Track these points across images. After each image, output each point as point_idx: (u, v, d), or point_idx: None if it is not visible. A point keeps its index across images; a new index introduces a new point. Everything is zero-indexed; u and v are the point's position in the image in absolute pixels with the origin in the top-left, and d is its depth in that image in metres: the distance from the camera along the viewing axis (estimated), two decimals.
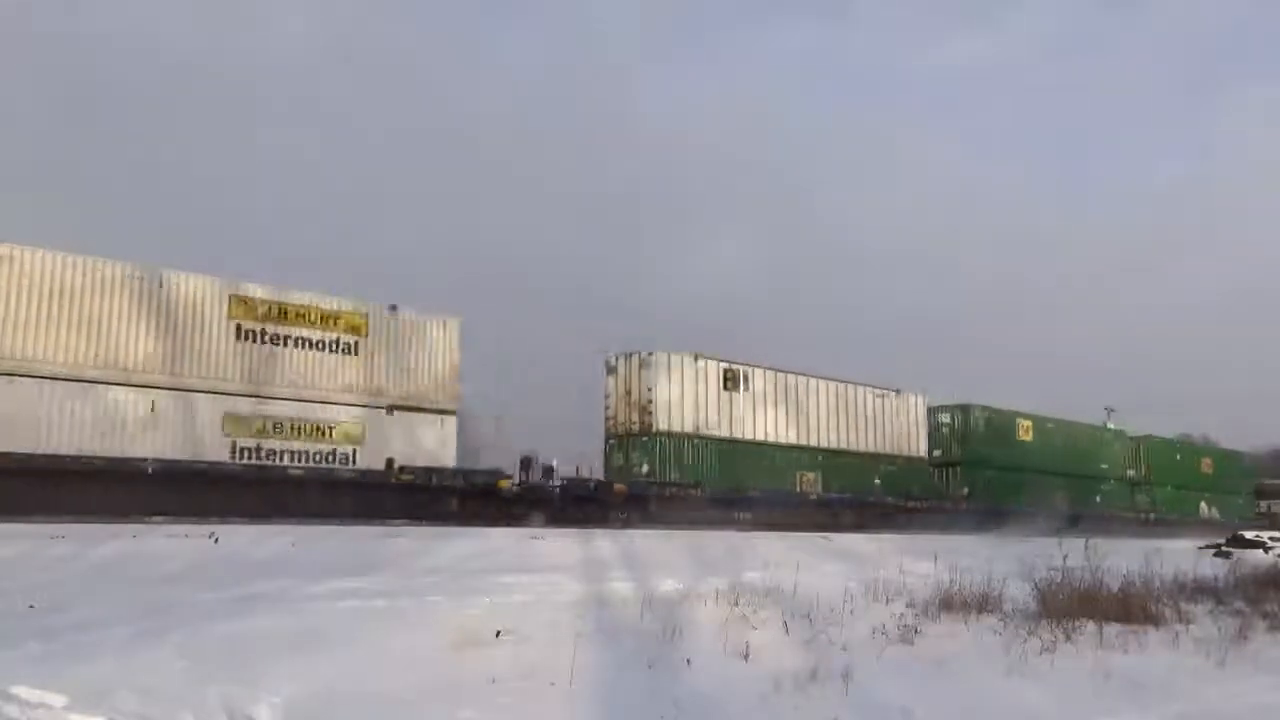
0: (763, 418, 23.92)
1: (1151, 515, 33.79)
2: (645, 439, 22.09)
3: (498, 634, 7.92)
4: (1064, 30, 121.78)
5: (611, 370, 23.05)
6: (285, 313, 18.28)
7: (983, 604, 9.96)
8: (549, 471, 20.77)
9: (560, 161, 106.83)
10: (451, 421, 20.04)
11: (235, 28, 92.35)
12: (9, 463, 14.39)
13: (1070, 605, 9.60)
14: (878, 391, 26.74)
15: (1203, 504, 38.19)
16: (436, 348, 20.13)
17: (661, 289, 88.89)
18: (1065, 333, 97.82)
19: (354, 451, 18.59)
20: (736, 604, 9.38)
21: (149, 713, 5.72)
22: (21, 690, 5.76)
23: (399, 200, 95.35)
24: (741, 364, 23.69)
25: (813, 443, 24.98)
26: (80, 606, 7.92)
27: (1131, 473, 34.88)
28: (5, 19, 70.85)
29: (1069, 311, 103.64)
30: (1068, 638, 8.81)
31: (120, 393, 16.38)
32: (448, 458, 19.69)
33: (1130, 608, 9.83)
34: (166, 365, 16.87)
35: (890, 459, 26.75)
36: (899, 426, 27.13)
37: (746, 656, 7.78)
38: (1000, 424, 30.21)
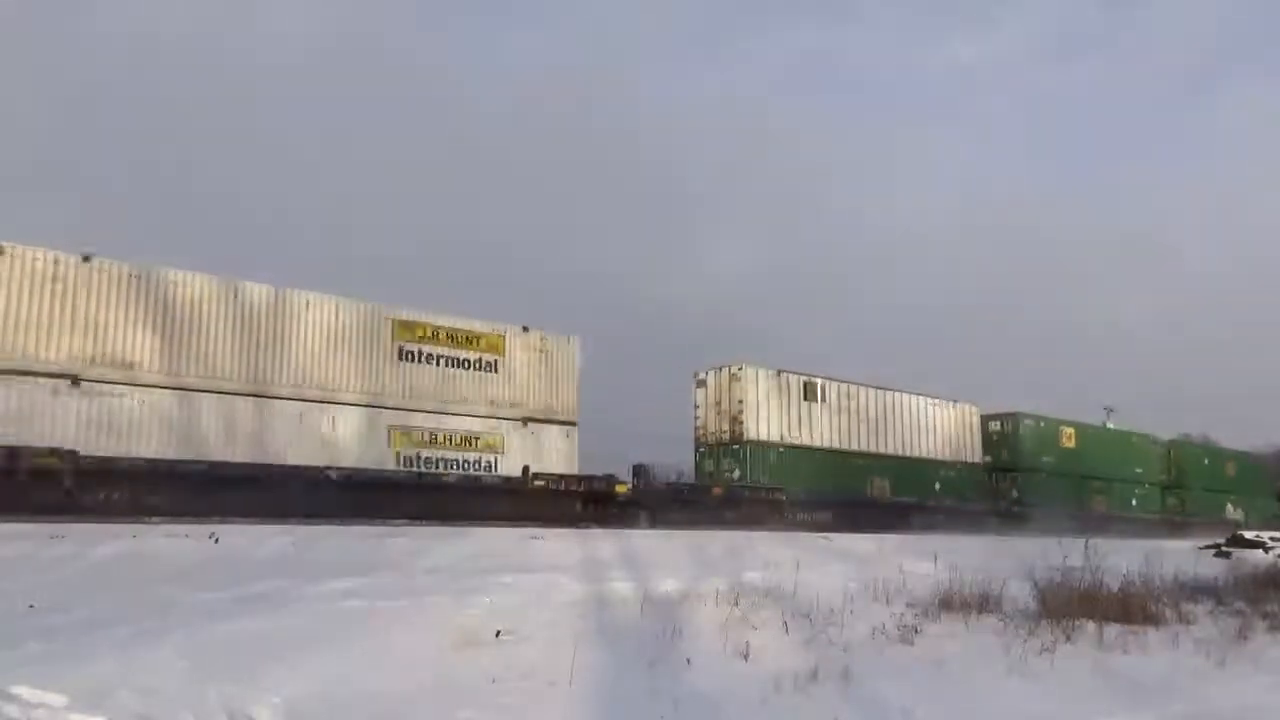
0: (838, 427, 25.94)
1: (1182, 517, 35.43)
2: (736, 447, 24.08)
3: (498, 634, 7.93)
4: (1064, 30, 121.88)
5: (701, 384, 25.16)
6: (437, 335, 20.31)
7: (983, 604, 9.96)
8: (647, 474, 23.03)
9: (560, 161, 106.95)
10: (575, 432, 21.99)
11: (236, 27, 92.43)
12: (253, 471, 16.45)
13: (1070, 605, 9.60)
14: (936, 401, 28.68)
15: (1229, 506, 39.49)
16: (561, 364, 22.05)
17: (661, 289, 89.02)
18: (1065, 332, 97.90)
19: (495, 460, 20.54)
20: (737, 604, 9.37)
21: (149, 713, 5.72)
22: (21, 690, 5.77)
23: (399, 200, 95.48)
24: (819, 377, 25.85)
25: (882, 449, 26.85)
26: (80, 606, 7.93)
27: (1163, 476, 36.66)
28: (5, 19, 70.91)
29: (1069, 311, 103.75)
30: (1068, 638, 8.82)
31: (327, 410, 18.58)
32: (572, 465, 21.58)
33: (1130, 608, 9.84)
34: (348, 383, 18.86)
35: (950, 465, 28.63)
36: (956, 434, 29.14)
37: (746, 656, 7.79)
38: (1046, 431, 32.22)
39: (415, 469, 19.14)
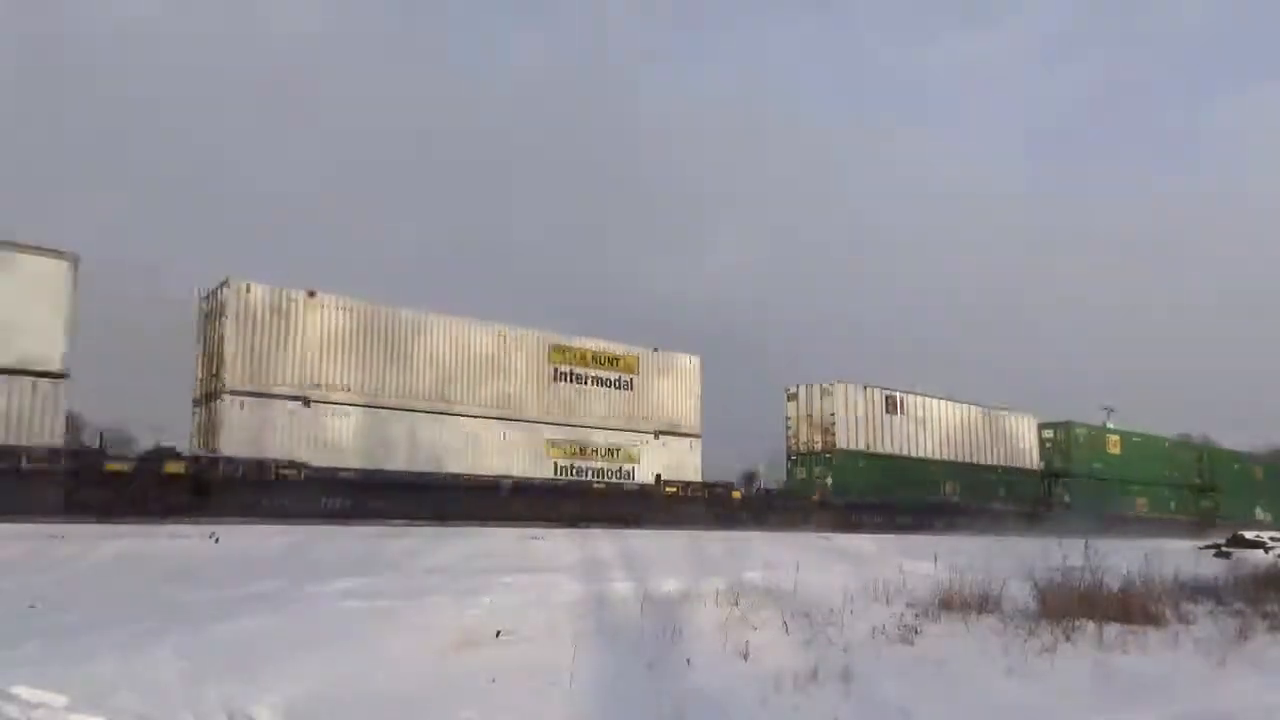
0: (916, 436, 28.15)
1: (1216, 518, 36.77)
2: (828, 455, 26.41)
3: (498, 634, 7.93)
4: (1064, 30, 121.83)
5: (792, 397, 27.56)
6: (584, 357, 22.77)
7: (983, 604, 9.95)
8: (754, 482, 26.61)
9: (560, 160, 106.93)
10: (698, 443, 24.36)
11: (237, 27, 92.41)
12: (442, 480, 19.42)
13: (1070, 605, 9.59)
14: (1000, 412, 31.15)
15: (1258, 508, 40.94)
16: (686, 381, 24.52)
17: (661, 289, 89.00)
18: (1065, 332, 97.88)
19: (634, 469, 23.07)
20: (736, 604, 9.36)
21: (149, 713, 5.72)
22: (22, 690, 5.77)
23: (398, 199, 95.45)
24: (899, 391, 28.09)
25: (953, 457, 29.11)
26: (81, 607, 7.93)
27: (1197, 480, 38.47)
28: (4, 18, 70.93)
29: (1069, 311, 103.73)
30: (1067, 638, 8.80)
31: (506, 427, 21.18)
32: (696, 473, 24.11)
33: (1130, 608, 9.82)
34: (518, 403, 21.44)
35: (1011, 471, 30.88)
36: (1017, 442, 31.59)
37: (746, 656, 7.78)
38: (1094, 439, 34.38)
39: (570, 477, 21.86)
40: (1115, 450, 34.70)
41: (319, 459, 17.92)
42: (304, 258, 66.42)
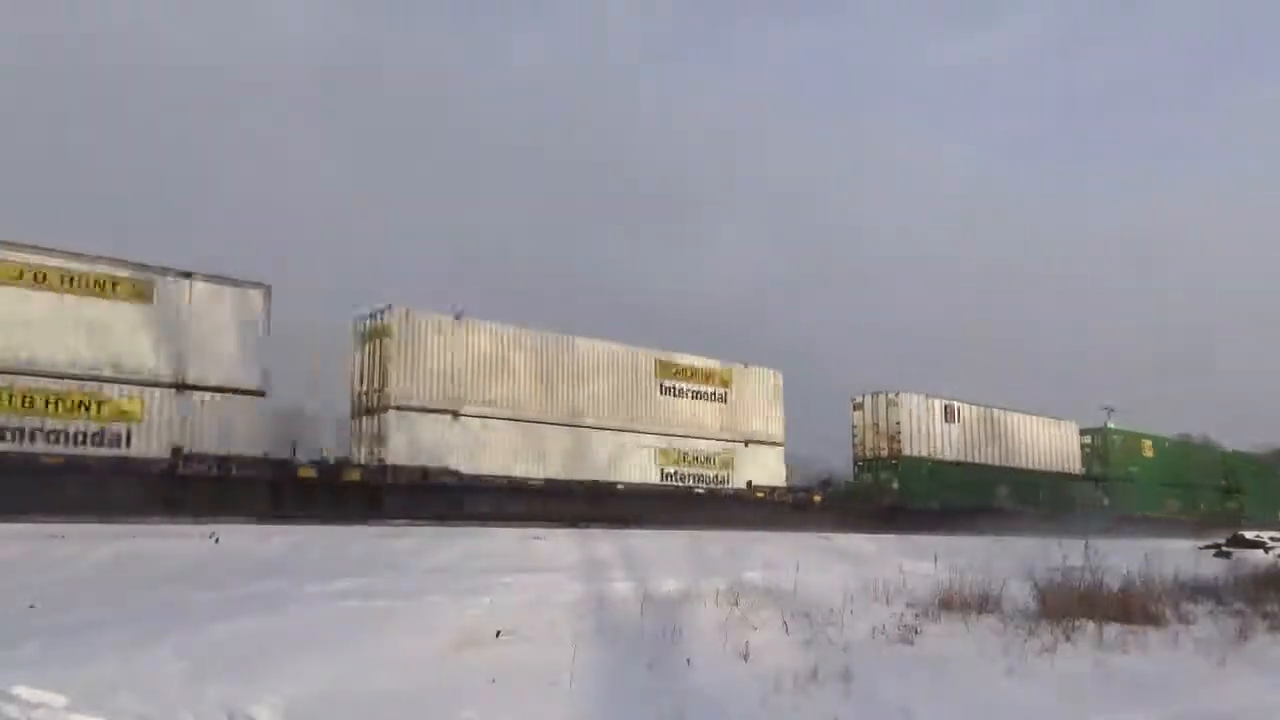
0: (971, 443, 29.78)
1: (1242, 518, 37.69)
2: (894, 462, 27.98)
3: (498, 634, 7.93)
4: (1064, 30, 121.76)
5: (858, 406, 29.05)
6: (684, 372, 24.49)
7: (983, 604, 9.95)
8: (830, 485, 28.43)
9: (560, 160, 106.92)
10: (781, 452, 26.16)
11: (237, 26, 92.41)
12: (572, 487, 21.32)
13: (1070, 605, 9.59)
14: (1046, 420, 32.65)
15: None
16: (769, 392, 26.17)
17: (661, 287, 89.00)
18: (1065, 332, 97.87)
19: (728, 475, 24.78)
20: (736, 604, 9.37)
21: (149, 713, 5.73)
22: (21, 690, 5.78)
23: (397, 199, 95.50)
24: (957, 401, 29.78)
25: (1005, 463, 30.73)
26: (81, 607, 7.93)
27: (1223, 482, 40.37)
28: (5, 18, 70.95)
29: (1069, 311, 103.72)
30: (1067, 638, 8.80)
31: (611, 436, 22.93)
32: (780, 478, 25.93)
33: (1130, 608, 9.82)
34: (631, 414, 23.09)
35: (1055, 475, 32.31)
36: (1060, 448, 33.15)
37: (746, 657, 7.78)
38: (1129, 444, 36.12)
39: (676, 483, 23.70)
40: (1149, 454, 36.50)
41: (467, 466, 19.65)
42: (303, 258, 66.40)
